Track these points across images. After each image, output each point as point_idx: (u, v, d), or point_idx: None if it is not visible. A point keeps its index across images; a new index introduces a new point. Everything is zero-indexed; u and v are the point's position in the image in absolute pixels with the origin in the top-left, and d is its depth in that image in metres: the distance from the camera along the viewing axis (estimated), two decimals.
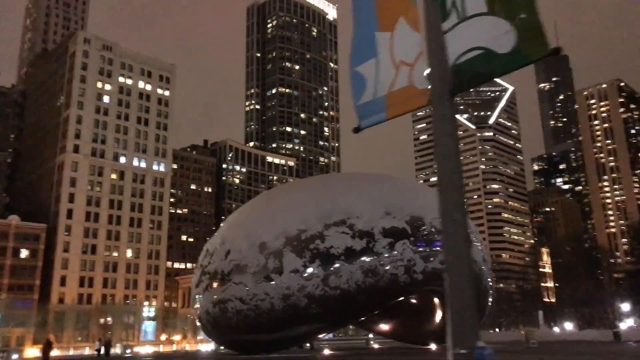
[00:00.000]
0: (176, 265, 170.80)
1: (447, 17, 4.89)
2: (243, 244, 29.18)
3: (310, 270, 27.84)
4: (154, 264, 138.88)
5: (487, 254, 35.61)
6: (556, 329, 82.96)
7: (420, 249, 30.23)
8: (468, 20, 4.75)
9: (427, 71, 5.14)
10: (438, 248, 30.94)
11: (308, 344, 37.30)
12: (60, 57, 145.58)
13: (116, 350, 52.49)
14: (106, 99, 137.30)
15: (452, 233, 4.54)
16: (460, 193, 4.57)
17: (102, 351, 45.60)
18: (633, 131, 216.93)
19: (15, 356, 37.04)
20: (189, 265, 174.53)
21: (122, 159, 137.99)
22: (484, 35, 4.58)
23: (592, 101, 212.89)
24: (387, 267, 28.76)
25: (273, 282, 27.88)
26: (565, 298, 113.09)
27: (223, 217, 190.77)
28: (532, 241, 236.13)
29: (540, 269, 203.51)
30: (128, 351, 51.20)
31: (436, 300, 35.94)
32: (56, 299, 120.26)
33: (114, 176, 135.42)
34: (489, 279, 35.45)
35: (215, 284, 29.76)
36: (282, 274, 27.86)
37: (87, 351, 72.37)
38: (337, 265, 28.03)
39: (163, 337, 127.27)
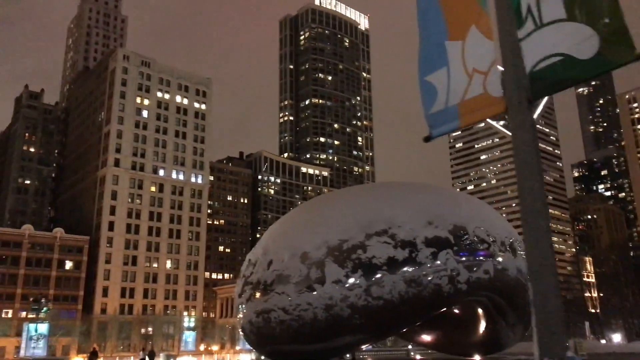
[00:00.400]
0: (214, 275, 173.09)
1: (523, 25, 4.87)
2: (285, 254, 29.27)
3: (352, 280, 27.70)
4: (193, 275, 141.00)
5: None
6: (603, 341, 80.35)
7: (464, 258, 29.70)
8: (546, 27, 4.72)
9: (501, 78, 5.13)
10: (481, 258, 30.45)
11: (349, 355, 37.12)
12: (100, 75, 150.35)
13: (160, 359, 53.44)
14: (145, 113, 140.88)
15: (536, 241, 4.50)
16: (542, 201, 4.54)
17: None
18: None
19: None
20: (226, 275, 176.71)
21: (161, 172, 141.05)
22: (563, 42, 4.54)
23: (635, 105, 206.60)
24: (430, 277, 28.34)
25: (315, 292, 27.85)
26: (611, 308, 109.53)
27: (259, 228, 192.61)
28: (573, 250, 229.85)
29: (584, 279, 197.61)
30: None
31: (480, 310, 35.24)
32: (99, 309, 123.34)
33: (153, 189, 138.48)
34: None
35: (258, 294, 29.91)
36: (324, 284, 27.80)
37: None
38: (379, 275, 27.81)
39: (202, 347, 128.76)
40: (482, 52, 5.15)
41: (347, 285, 27.76)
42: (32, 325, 43.95)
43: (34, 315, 73.80)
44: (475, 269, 29.63)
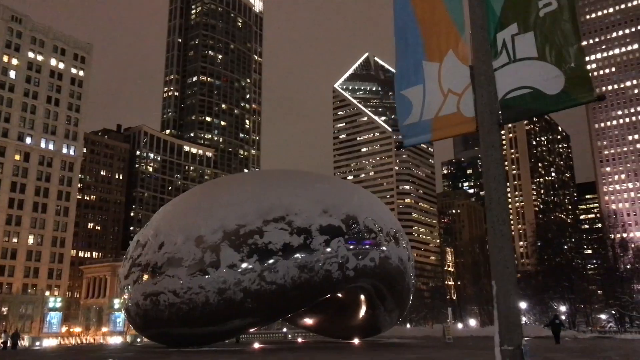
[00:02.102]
0: (81, 253, 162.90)
1: (497, 57, 5.54)
2: (178, 237, 28.79)
3: (247, 264, 28.04)
4: (59, 252, 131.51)
5: (411, 253, 37.43)
6: (460, 325, 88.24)
7: (353, 247, 31.25)
8: (518, 62, 5.43)
9: (474, 102, 5.75)
10: (369, 246, 32.25)
11: (235, 338, 37.36)
12: None
13: (24, 343, 49.52)
14: (12, 74, 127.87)
15: (501, 246, 5.23)
16: (507, 211, 5.25)
17: (9, 344, 42.79)
18: (534, 142, 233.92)
19: None
20: (94, 254, 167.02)
21: (28, 140, 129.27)
22: (533, 77, 5.28)
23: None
24: (322, 264, 29.54)
25: (209, 276, 27.80)
26: (468, 296, 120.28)
27: (134, 206, 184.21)
28: (438, 241, 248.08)
29: (445, 268, 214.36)
30: (37, 343, 48.39)
31: (362, 296, 37.26)
32: None
33: (17, 157, 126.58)
34: (412, 276, 37.26)
35: (146, 276, 29.15)
36: (218, 268, 27.84)
37: None
38: (274, 260, 28.44)
39: (64, 329, 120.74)
40: (457, 76, 5.77)
41: (241, 269, 28.06)
42: None
43: None
44: (362, 256, 31.39)
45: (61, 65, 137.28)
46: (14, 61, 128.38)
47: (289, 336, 59.59)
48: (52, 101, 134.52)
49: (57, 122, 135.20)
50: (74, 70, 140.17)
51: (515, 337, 5.05)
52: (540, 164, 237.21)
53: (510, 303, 5.12)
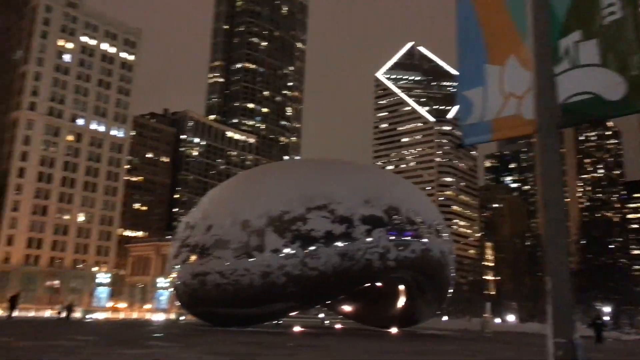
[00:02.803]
0: (127, 232, 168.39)
1: (559, 62, 5.77)
2: (226, 220, 29.75)
3: (290, 250, 28.73)
4: (106, 230, 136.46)
5: (452, 246, 37.43)
6: (498, 320, 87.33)
7: (395, 237, 31.52)
8: (580, 68, 5.66)
9: (534, 105, 6.01)
10: (410, 238, 32.47)
11: (275, 321, 38.30)
12: (20, 9, 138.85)
13: (77, 314, 52.12)
14: (67, 57, 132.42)
15: (556, 245, 5.55)
16: (563, 212, 5.55)
17: (64, 314, 45.21)
18: (582, 138, 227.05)
19: None
20: (140, 233, 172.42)
21: (80, 121, 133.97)
22: (594, 83, 5.51)
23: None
24: (363, 253, 29.98)
25: (253, 259, 28.66)
26: (507, 291, 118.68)
27: (178, 188, 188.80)
28: (477, 235, 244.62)
29: (484, 262, 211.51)
30: (88, 316, 50.95)
31: (401, 287, 37.54)
32: (2, 257, 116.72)
33: (70, 138, 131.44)
34: (452, 269, 37.28)
35: (194, 257, 30.26)
36: (263, 252, 28.66)
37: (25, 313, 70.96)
38: (316, 247, 29.03)
39: (110, 304, 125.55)
40: (518, 79, 6.03)
41: (284, 254, 28.81)
42: None
43: None
44: (403, 248, 31.66)
45: (112, 50, 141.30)
46: (69, 45, 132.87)
47: (326, 322, 60.48)
48: (104, 84, 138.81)
49: (108, 104, 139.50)
50: (124, 55, 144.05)
51: (568, 331, 5.36)
52: (587, 160, 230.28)
53: (564, 298, 5.42)
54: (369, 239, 30.16)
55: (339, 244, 29.46)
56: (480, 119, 6.46)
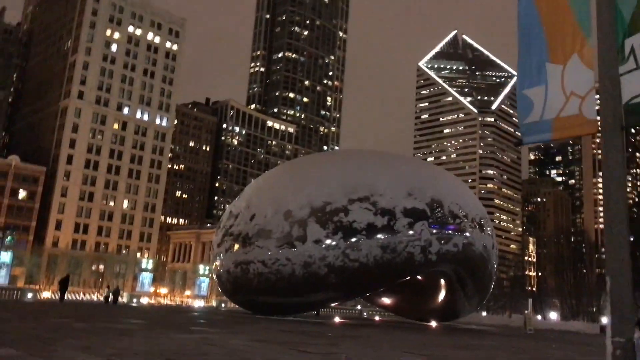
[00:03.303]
0: (169, 220, 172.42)
1: (624, 62, 5.71)
2: (269, 210, 30.17)
3: (332, 241, 28.95)
4: (149, 217, 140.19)
5: (495, 241, 36.91)
6: (539, 317, 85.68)
7: (437, 231, 31.33)
8: None
9: (596, 105, 5.98)
10: (452, 232, 32.20)
11: (315, 312, 38.77)
12: (69, 0, 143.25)
13: (123, 299, 54.03)
14: (114, 47, 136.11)
15: (618, 245, 5.53)
16: (625, 212, 5.52)
17: (110, 299, 46.94)
18: (633, 130, 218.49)
19: (29, 295, 37.99)
20: (181, 221, 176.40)
21: (126, 110, 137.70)
22: None
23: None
24: (405, 246, 29.91)
25: (295, 249, 29.01)
26: (549, 288, 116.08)
27: (219, 177, 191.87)
28: (520, 229, 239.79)
29: (526, 257, 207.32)
30: (134, 300, 52.71)
31: (442, 280, 37.29)
32: (50, 242, 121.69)
33: (116, 126, 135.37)
34: (495, 264, 36.80)
35: (237, 246, 30.86)
36: (305, 242, 28.96)
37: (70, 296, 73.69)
38: (358, 239, 29.15)
39: (152, 289, 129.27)
40: (581, 79, 5.99)
41: (326, 245, 29.03)
42: None
43: None
44: (446, 241, 31.43)
45: (157, 40, 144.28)
46: (116, 35, 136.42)
47: (364, 314, 60.77)
48: (148, 74, 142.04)
49: (152, 93, 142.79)
50: (168, 44, 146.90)
51: (627, 330, 5.36)
52: (639, 154, 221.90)
53: (624, 298, 5.41)
54: (410, 232, 30.06)
55: (381, 236, 29.49)
56: (541, 118, 6.43)
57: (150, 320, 22.63)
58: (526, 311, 45.42)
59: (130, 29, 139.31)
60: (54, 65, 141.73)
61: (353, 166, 32.38)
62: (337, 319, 34.30)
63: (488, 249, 34.67)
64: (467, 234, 32.66)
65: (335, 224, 29.12)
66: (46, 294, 58.55)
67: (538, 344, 23.57)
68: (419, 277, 38.64)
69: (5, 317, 18.67)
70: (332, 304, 37.66)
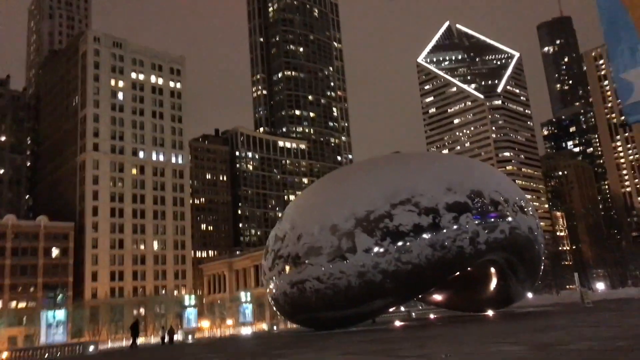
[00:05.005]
0: (198, 254, 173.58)
1: None
2: (315, 227, 30.63)
3: (382, 247, 29.29)
4: (181, 254, 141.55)
5: (538, 221, 36.93)
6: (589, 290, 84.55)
7: (482, 221, 31.53)
8: None
9: None
10: (497, 219, 32.36)
11: (371, 320, 38.91)
12: (70, 58, 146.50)
13: (178, 337, 54.62)
14: (120, 95, 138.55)
15: None
16: None
17: (167, 339, 47.58)
18: None
19: (91, 347, 38.74)
20: (210, 253, 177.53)
21: (141, 154, 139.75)
22: None
23: (601, 61, 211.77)
24: (454, 240, 30.17)
25: (348, 261, 29.39)
26: (588, 259, 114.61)
27: (240, 204, 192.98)
28: (546, 206, 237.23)
29: (558, 233, 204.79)
30: (190, 337, 53.33)
31: (492, 268, 37.33)
32: (89, 294, 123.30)
33: (134, 171, 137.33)
34: (542, 244, 36.84)
35: (289, 267, 31.30)
36: (355, 253, 29.34)
37: (120, 343, 74.81)
38: (407, 241, 29.46)
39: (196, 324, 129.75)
40: None
41: (377, 252, 29.38)
42: (49, 313, 44.62)
43: (34, 304, 72.97)
44: (492, 229, 31.65)
45: (160, 81, 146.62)
46: (120, 83, 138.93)
47: (413, 314, 60.45)
48: (157, 115, 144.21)
49: (164, 134, 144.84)
50: (171, 84, 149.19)
51: None
52: None
53: None
54: (456, 226, 30.33)
55: (428, 235, 29.80)
56: None
57: (226, 352, 23.07)
58: (579, 286, 45.17)
59: (133, 75, 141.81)
60: (65, 123, 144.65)
61: (389, 171, 32.78)
62: (397, 323, 34.47)
63: (533, 230, 34.78)
64: (510, 219, 32.82)
65: (382, 230, 29.48)
66: (102, 345, 59.40)
67: (606, 315, 23.58)
68: (469, 269, 38.74)
69: None
70: (391, 309, 37.79)
